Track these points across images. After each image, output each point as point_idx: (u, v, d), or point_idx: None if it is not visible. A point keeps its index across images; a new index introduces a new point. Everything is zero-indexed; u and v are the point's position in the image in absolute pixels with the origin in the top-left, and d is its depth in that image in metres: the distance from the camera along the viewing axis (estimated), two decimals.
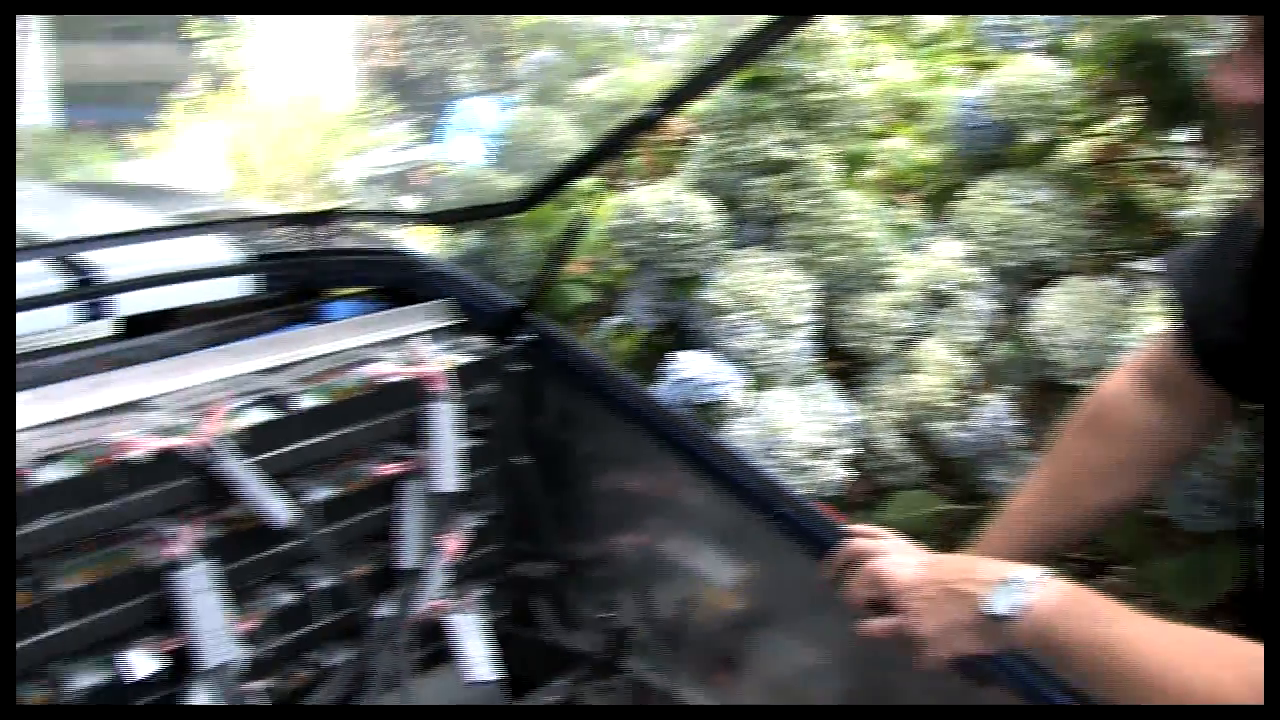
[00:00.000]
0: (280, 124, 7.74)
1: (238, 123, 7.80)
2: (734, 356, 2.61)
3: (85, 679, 1.77)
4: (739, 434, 2.53)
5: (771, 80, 2.81)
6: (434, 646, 2.24)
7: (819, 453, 2.49)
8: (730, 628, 2.30)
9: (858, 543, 1.73)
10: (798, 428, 2.50)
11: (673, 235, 2.66)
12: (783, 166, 2.76)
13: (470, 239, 3.22)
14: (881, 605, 1.59)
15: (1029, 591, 1.37)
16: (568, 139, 3.02)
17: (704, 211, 2.70)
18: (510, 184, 3.05)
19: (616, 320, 3.11)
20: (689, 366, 2.56)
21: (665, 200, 2.69)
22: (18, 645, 1.66)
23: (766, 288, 2.60)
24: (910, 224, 3.05)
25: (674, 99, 2.08)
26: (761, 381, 2.62)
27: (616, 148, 2.24)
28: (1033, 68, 2.64)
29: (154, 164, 8.11)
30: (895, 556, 1.63)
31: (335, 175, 7.26)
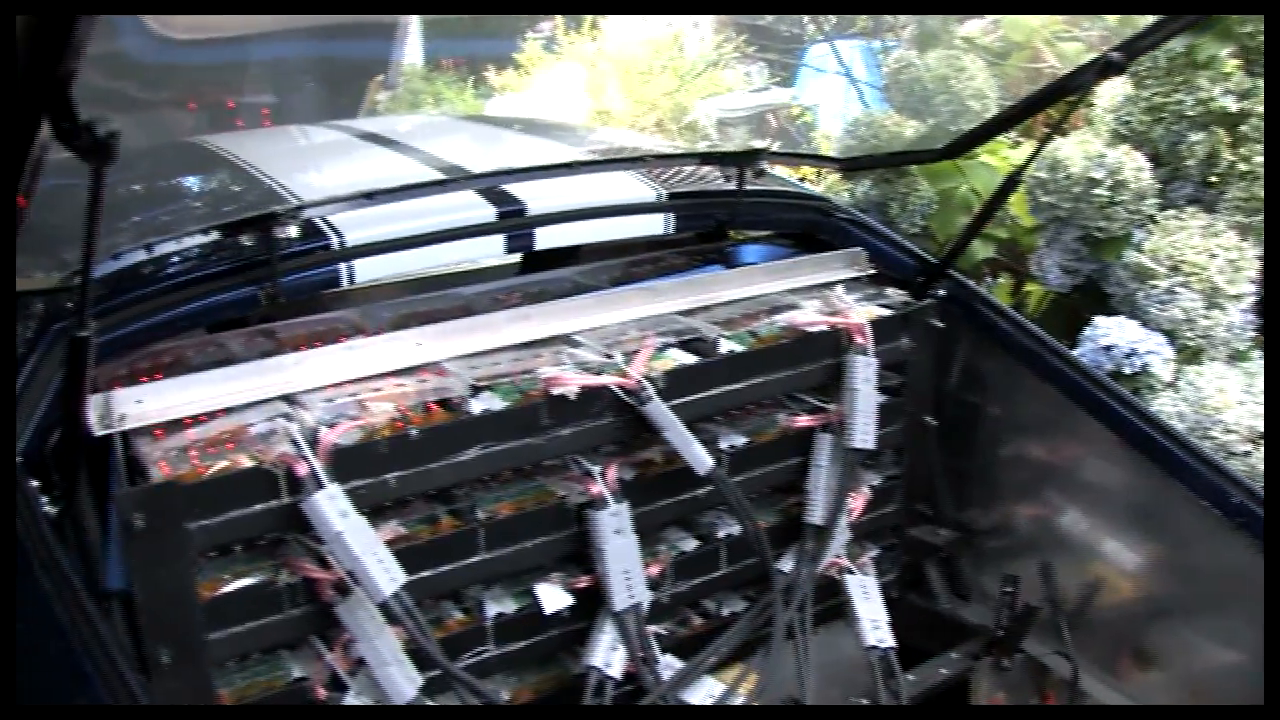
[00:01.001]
0: (635, 65, 7.79)
1: (593, 63, 7.92)
2: (1161, 325, 2.40)
3: (500, 606, 1.81)
4: (1163, 410, 2.32)
5: (1216, 21, 2.54)
6: (829, 603, 2.18)
7: (1259, 438, 2.26)
8: (1146, 617, 2.11)
9: None
10: (1233, 408, 2.27)
11: (1098, 192, 2.46)
12: (1228, 119, 2.50)
13: (864, 186, 3.12)
14: None
15: None
16: (982, 85, 2.85)
17: (1134, 167, 2.48)
18: (915, 131, 2.92)
19: (1019, 279, 2.94)
20: (1111, 333, 2.37)
21: (1093, 154, 2.49)
22: (444, 568, 1.72)
23: (1202, 253, 2.37)
24: None
25: (1139, 42, 1.90)
26: (1192, 355, 2.39)
27: (1058, 96, 2.07)
28: None
29: (513, 102, 8.36)
30: None
31: (691, 117, 7.26)
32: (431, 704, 1.67)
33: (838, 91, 6.67)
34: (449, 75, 9.99)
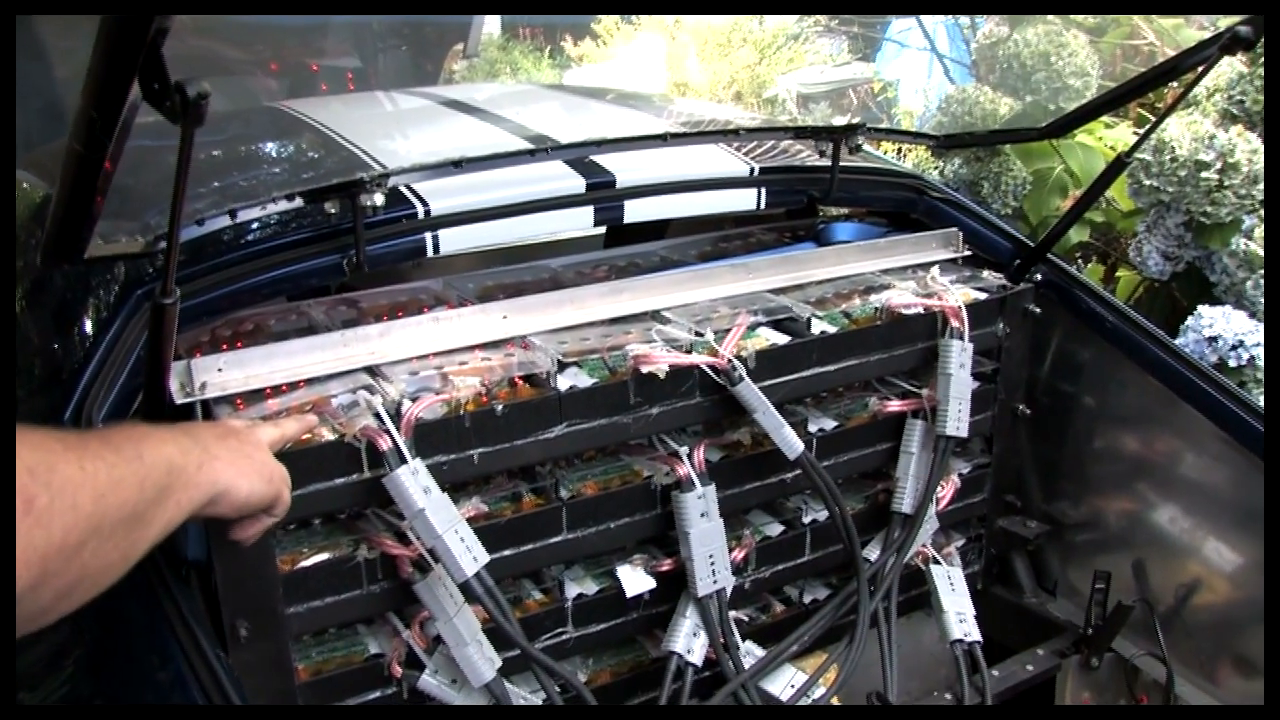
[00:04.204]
0: (715, 37, 7.69)
1: (672, 34, 7.83)
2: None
3: (580, 587, 1.77)
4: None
5: None
6: (912, 593, 2.13)
7: None
8: (1247, 621, 2.02)
9: None
10: None
11: (1206, 175, 2.35)
12: None
13: (954, 165, 3.03)
14: None
15: None
16: (1084, 62, 2.74)
17: (1248, 150, 2.37)
18: (1010, 109, 2.82)
19: (1111, 264, 2.83)
20: (1216, 323, 2.27)
21: (1202, 135, 2.38)
22: (526, 548, 1.68)
23: None
24: None
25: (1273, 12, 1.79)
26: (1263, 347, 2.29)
27: (1174, 73, 1.97)
28: None
29: (590, 73, 8.30)
30: None
31: (772, 91, 7.15)
32: (509, 684, 1.64)
33: (920, 67, 6.53)
34: (526, 45, 9.95)
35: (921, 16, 5.89)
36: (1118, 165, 1.98)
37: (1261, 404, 2.18)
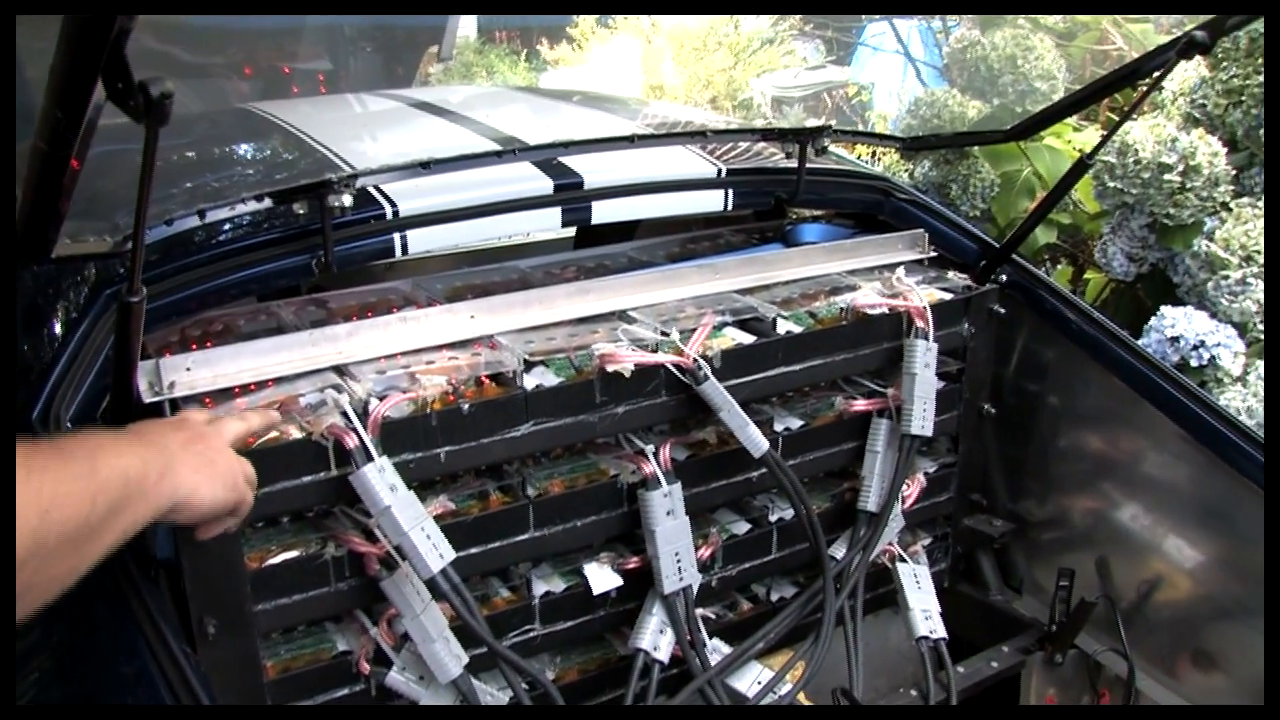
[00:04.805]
0: (690, 40, 7.71)
1: (647, 38, 7.84)
2: (1231, 317, 2.33)
3: (547, 585, 1.79)
4: (1231, 404, 2.26)
5: None
6: (879, 591, 2.15)
7: None
8: (1207, 617, 2.05)
9: None
10: None
11: (1169, 178, 2.39)
12: None
13: (923, 167, 3.06)
14: None
15: None
16: (1050, 65, 2.77)
17: (1209, 152, 2.40)
18: (978, 111, 2.85)
19: (1078, 266, 2.87)
20: (1179, 323, 2.30)
21: (1165, 138, 2.41)
22: (493, 545, 1.70)
23: None
24: None
25: (1226, 20, 1.82)
26: (1263, 348, 2.32)
27: (1134, 77, 2.00)
28: None
29: (566, 76, 8.31)
30: None
31: (746, 94, 7.17)
32: (476, 681, 1.65)
33: (895, 70, 6.56)
34: (502, 48, 9.94)
35: (895, 20, 5.93)
36: (1080, 167, 2.01)
37: (1222, 403, 2.22)
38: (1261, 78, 2.41)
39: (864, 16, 7.32)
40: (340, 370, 1.60)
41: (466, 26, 9.64)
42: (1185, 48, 1.79)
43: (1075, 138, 3.22)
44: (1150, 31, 3.10)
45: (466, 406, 1.59)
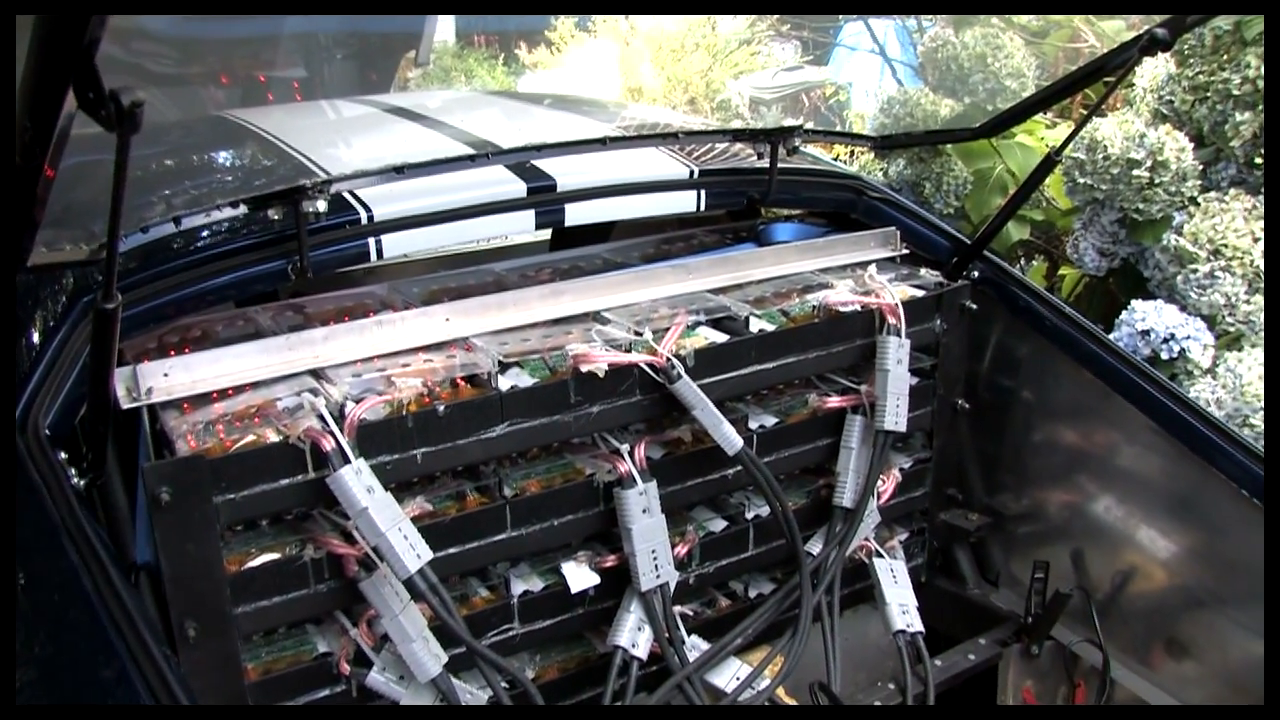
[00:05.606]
0: (668, 42, 7.73)
1: (625, 40, 7.87)
2: (1200, 310, 2.36)
3: (526, 584, 1.80)
4: (1201, 396, 2.29)
5: None
6: (856, 586, 2.17)
7: None
8: (1180, 607, 2.07)
9: None
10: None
11: (1138, 173, 2.41)
12: None
13: (898, 166, 3.08)
14: None
15: None
16: (1020, 64, 2.80)
17: (1176, 148, 2.43)
18: (951, 110, 2.88)
19: (1053, 261, 2.89)
20: (1149, 317, 2.33)
21: (1133, 134, 2.44)
22: (471, 545, 1.71)
23: (1245, 236, 2.32)
24: None
25: (1185, 18, 1.85)
26: (1232, 341, 2.35)
27: (1099, 74, 2.03)
28: None
29: (544, 79, 8.33)
30: None
31: (724, 95, 7.20)
32: (456, 681, 1.67)
33: (872, 70, 6.58)
34: (480, 52, 9.92)
35: (870, 20, 5.96)
36: (1048, 163, 2.03)
37: (1192, 395, 2.25)
38: (1226, 74, 2.44)
39: (840, 16, 7.35)
40: (317, 374, 1.61)
41: (444, 31, 9.61)
42: (1147, 45, 1.82)
43: (1048, 135, 3.25)
44: (1123, 29, 3.13)
45: (442, 408, 1.60)
